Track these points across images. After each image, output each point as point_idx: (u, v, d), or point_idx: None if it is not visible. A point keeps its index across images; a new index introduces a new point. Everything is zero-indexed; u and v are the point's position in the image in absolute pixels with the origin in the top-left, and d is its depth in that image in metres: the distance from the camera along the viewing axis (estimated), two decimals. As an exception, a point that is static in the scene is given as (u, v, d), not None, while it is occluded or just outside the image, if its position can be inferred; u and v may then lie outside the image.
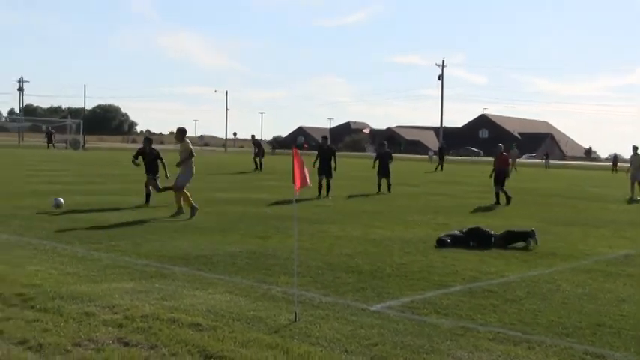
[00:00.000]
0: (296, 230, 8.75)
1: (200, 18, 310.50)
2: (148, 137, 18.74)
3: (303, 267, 9.51)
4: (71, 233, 12.19)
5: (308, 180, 7.70)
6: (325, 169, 22.48)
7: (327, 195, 21.83)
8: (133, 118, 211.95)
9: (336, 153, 23.18)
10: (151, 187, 17.52)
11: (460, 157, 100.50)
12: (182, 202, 15.73)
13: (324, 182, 22.28)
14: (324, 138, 23.90)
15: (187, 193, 15.71)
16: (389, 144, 28.88)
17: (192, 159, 16.13)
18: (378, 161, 25.82)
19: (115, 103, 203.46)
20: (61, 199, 16.07)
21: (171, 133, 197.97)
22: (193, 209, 15.28)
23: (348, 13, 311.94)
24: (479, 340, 6.50)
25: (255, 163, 38.89)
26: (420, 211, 18.85)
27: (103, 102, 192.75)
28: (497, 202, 21.75)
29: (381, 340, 6.36)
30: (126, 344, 5.92)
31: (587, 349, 6.36)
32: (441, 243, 12.40)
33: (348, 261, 10.46)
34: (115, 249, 10.73)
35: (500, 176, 22.23)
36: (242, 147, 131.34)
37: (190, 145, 16.08)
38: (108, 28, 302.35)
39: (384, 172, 25.53)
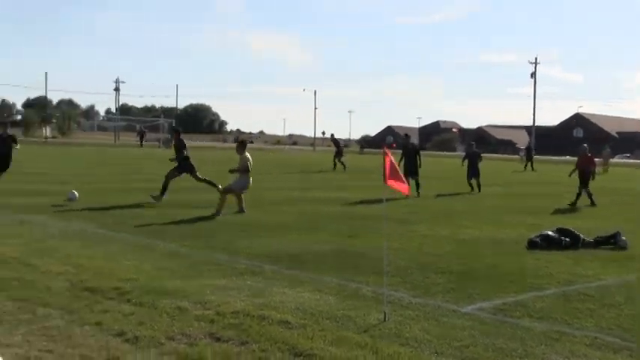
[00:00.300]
0: (385, 229, 8.69)
1: (290, 17, 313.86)
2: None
3: (393, 267, 9.45)
4: (163, 230, 12.52)
5: (405, 185, 7.62)
6: (412, 169, 22.20)
7: (417, 194, 21.42)
8: (223, 117, 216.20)
9: (422, 152, 23.06)
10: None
11: (556, 157, 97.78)
12: (221, 202, 15.40)
13: (411, 182, 21.68)
14: (407, 136, 23.56)
15: (237, 197, 15.89)
16: (478, 143, 28.65)
17: (249, 173, 16.14)
18: (467, 161, 25.69)
19: (206, 102, 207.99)
20: (75, 192, 16.82)
21: (261, 132, 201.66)
22: (218, 211, 15.13)
23: (440, 10, 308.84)
24: (575, 346, 6.29)
25: (335, 162, 38.98)
26: (510, 211, 18.45)
27: (194, 101, 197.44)
28: (575, 204, 20.67)
29: (472, 342, 6.25)
30: (217, 340, 6.03)
31: (691, 358, 6.07)
32: (532, 244, 12.09)
33: (438, 261, 10.33)
34: (206, 246, 10.95)
35: (584, 177, 21.38)
36: (330, 146, 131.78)
37: (249, 160, 16.06)
38: (200, 28, 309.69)
39: (473, 172, 25.31)
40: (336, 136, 42.53)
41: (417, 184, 21.94)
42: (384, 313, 6.96)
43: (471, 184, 25.20)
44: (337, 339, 6.17)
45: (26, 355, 5.44)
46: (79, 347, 5.68)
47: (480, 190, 24.66)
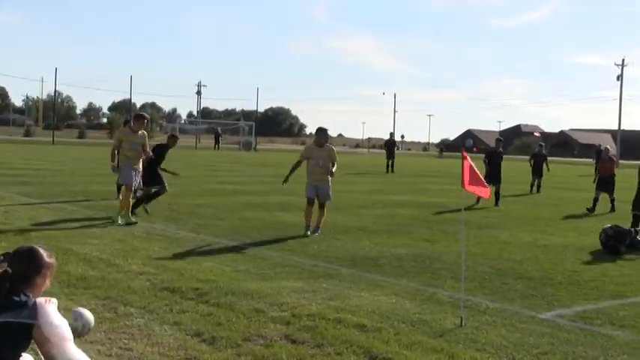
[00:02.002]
0: (463, 234, 8.61)
1: (370, 20, 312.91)
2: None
3: (471, 272, 9.34)
4: (242, 232, 12.70)
5: (486, 189, 7.55)
6: (496, 176, 20.72)
7: (497, 204, 19.98)
8: (302, 120, 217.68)
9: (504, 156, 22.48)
10: None
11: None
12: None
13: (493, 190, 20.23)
14: (499, 141, 22.41)
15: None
16: (561, 147, 28.67)
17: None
18: (532, 161, 27.02)
19: (286, 105, 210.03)
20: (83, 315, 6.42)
21: (339, 135, 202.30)
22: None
23: (525, 12, 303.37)
24: (660, 356, 6.10)
25: (387, 165, 38.79)
26: (593, 216, 17.97)
27: (274, 104, 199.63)
28: (593, 209, 19.32)
29: (551, 350, 6.14)
30: (293, 342, 6.09)
31: None
32: (610, 249, 11.80)
33: (517, 267, 10.17)
34: (283, 248, 11.08)
35: (605, 182, 20.30)
36: (409, 149, 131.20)
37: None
38: (280, 32, 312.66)
39: (537, 173, 26.55)
40: (406, 139, 42.20)
41: (498, 195, 20.39)
42: (461, 318, 6.90)
43: (531, 185, 26.32)
44: (412, 343, 6.15)
45: (108, 353, 5.62)
46: (157, 346, 5.83)
47: (539, 191, 25.32)
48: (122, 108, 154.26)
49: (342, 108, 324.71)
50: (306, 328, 6.46)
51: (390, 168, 38.53)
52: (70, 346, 3.74)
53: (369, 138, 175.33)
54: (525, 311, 7.54)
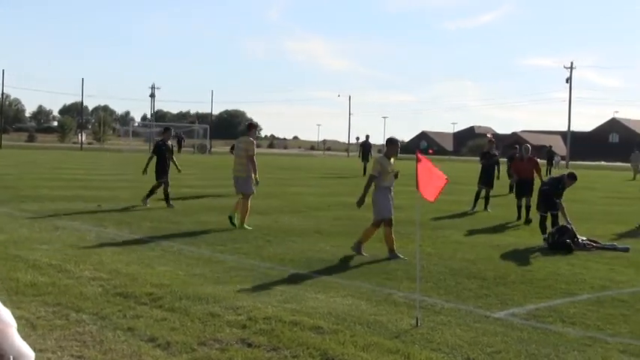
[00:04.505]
0: (418, 235, 8.68)
1: (325, 22, 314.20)
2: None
3: (425, 272, 9.42)
4: (197, 235, 12.61)
5: (434, 193, 7.61)
6: (488, 179, 19.69)
7: (486, 208, 19.26)
8: (258, 122, 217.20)
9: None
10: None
11: (589, 162, 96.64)
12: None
13: (482, 193, 19.72)
14: (491, 142, 21.32)
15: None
16: (511, 148, 28.22)
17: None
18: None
19: (241, 108, 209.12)
20: None
21: (295, 137, 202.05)
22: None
23: (477, 15, 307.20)
24: (608, 352, 6.23)
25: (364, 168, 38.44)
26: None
27: (229, 107, 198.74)
28: (519, 218, 17.07)
29: (505, 348, 6.22)
30: (249, 345, 6.06)
31: None
32: (565, 246, 12.06)
33: (471, 267, 10.28)
34: (238, 251, 11.01)
35: (524, 187, 17.18)
36: (360, 151, 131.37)
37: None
38: (234, 33, 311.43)
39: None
40: (369, 141, 40.88)
41: (488, 199, 19.64)
42: (417, 318, 6.95)
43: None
44: (369, 344, 6.17)
45: (59, 361, 5.52)
46: (110, 352, 5.75)
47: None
48: (73, 111, 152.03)
49: (297, 110, 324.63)
50: (262, 332, 6.44)
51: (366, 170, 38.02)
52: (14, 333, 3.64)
53: (324, 140, 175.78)
54: (479, 311, 7.63)
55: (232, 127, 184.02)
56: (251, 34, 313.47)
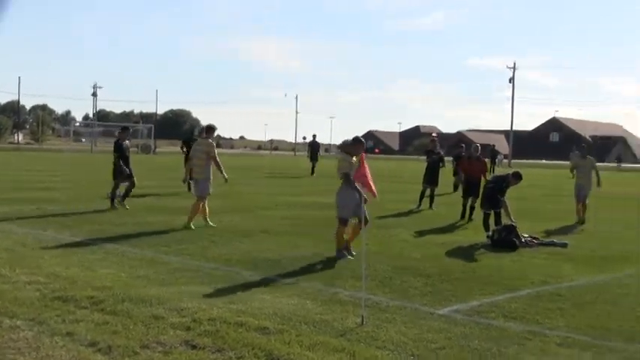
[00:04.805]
0: (364, 234, 8.71)
1: (272, 21, 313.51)
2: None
3: (371, 271, 9.46)
4: (141, 237, 12.43)
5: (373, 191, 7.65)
6: (431, 178, 19.84)
7: (430, 206, 19.51)
8: (204, 122, 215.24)
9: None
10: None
11: (531, 161, 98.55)
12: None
13: (427, 192, 19.85)
14: (433, 141, 21.32)
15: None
16: (457, 148, 28.59)
17: None
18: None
19: (187, 107, 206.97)
20: None
21: (241, 137, 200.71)
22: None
23: (424, 15, 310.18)
24: (547, 345, 6.39)
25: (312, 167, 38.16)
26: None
27: (174, 107, 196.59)
28: (463, 217, 16.90)
29: (448, 344, 6.29)
30: (193, 347, 6.00)
31: (658, 355, 6.18)
32: (512, 245, 12.28)
33: (417, 265, 10.37)
34: (183, 252, 10.89)
35: (471, 187, 16.78)
36: (309, 151, 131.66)
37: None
38: (179, 32, 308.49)
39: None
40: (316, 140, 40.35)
41: (432, 197, 19.88)
42: (362, 316, 6.98)
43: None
44: (314, 344, 6.17)
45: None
46: (47, 359, 5.60)
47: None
48: (10, 110, 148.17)
49: (244, 109, 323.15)
50: (207, 333, 6.38)
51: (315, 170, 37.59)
52: None
53: (271, 140, 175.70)
54: (424, 308, 7.70)
55: (177, 126, 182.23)
56: (196, 33, 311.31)
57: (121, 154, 17.34)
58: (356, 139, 11.15)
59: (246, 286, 8.53)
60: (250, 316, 7.03)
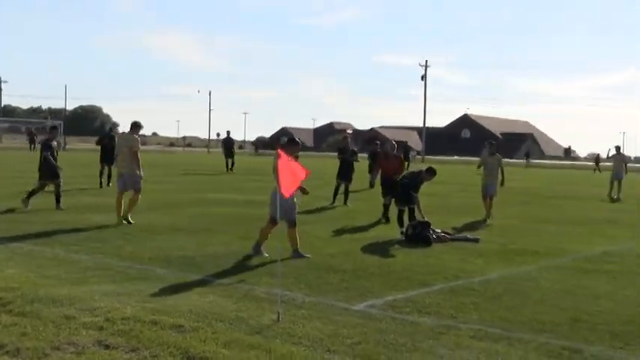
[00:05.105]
0: (278, 229, 8.73)
1: (186, 17, 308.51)
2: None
3: (287, 267, 9.48)
4: (51, 235, 12.08)
5: (294, 187, 7.67)
6: (345, 174, 20.06)
7: (345, 202, 19.67)
8: (115, 119, 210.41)
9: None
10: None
11: (444, 157, 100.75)
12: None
13: (341, 188, 20.10)
14: (345, 138, 21.40)
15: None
16: (372, 144, 28.98)
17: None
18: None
19: (97, 103, 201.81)
20: None
21: (154, 134, 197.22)
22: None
23: (336, 11, 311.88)
24: (460, 338, 6.53)
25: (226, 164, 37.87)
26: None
27: (84, 103, 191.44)
28: (385, 217, 16.33)
29: (364, 339, 6.36)
30: (106, 347, 5.88)
31: (564, 345, 6.46)
32: (426, 240, 12.54)
33: (332, 261, 10.45)
34: (96, 251, 10.64)
35: (390, 185, 16.17)
36: (223, 148, 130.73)
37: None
38: (89, 27, 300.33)
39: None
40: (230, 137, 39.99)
41: (347, 194, 20.08)
42: (278, 313, 6.98)
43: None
44: (230, 341, 6.14)
45: None
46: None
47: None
48: None
49: (156, 106, 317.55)
50: (121, 332, 6.26)
51: (229, 167, 37.21)
52: None
53: (184, 136, 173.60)
54: (340, 303, 7.77)
55: (87, 122, 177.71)
56: (106, 27, 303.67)
57: (50, 153, 16.66)
58: (290, 140, 11.25)
59: (161, 284, 8.41)
60: (165, 314, 6.94)
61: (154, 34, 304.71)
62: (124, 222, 13.90)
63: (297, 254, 10.70)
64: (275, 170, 10.59)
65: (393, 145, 17.79)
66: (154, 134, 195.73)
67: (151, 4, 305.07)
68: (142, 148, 14.90)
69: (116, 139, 22.67)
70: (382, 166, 17.23)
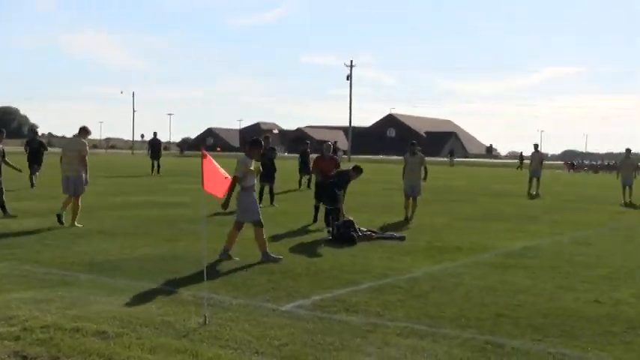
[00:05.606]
0: (204, 232, 8.61)
1: (108, 16, 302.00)
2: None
3: (214, 269, 9.38)
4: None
5: (222, 189, 7.59)
6: (268, 175, 19.27)
7: (272, 203, 19.48)
8: (33, 120, 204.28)
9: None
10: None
11: (369, 156, 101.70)
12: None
13: (266, 189, 19.80)
14: (267, 138, 20.87)
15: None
16: (299, 144, 29.27)
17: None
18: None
19: (15, 104, 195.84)
20: None
21: (74, 135, 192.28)
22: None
23: (261, 12, 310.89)
24: (387, 336, 6.59)
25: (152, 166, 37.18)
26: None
27: (0, 104, 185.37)
28: (315, 218, 15.93)
29: (291, 340, 6.34)
30: (24, 358, 5.67)
31: (487, 339, 6.59)
32: (350, 238, 12.61)
33: (259, 262, 10.38)
34: (12, 257, 10.26)
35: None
36: (149, 149, 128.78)
37: None
38: (3, 28, 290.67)
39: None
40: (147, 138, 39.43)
41: (272, 194, 19.84)
42: (205, 316, 6.89)
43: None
44: (156, 346, 6.03)
45: None
46: None
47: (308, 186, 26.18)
48: None
49: (77, 107, 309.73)
50: (40, 342, 6.05)
51: (155, 169, 36.48)
52: None
53: (107, 138, 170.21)
54: (268, 305, 7.72)
55: (4, 124, 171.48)
56: (23, 25, 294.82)
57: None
58: (254, 141, 11.16)
59: (84, 290, 8.19)
60: (87, 320, 6.75)
61: (72, 35, 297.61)
62: (61, 221, 13.93)
63: (266, 257, 10.60)
64: (234, 172, 10.51)
65: (329, 146, 17.60)
66: (75, 135, 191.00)
67: (69, 4, 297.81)
68: (58, 150, 14.57)
69: (42, 141, 26.07)
70: (319, 167, 16.93)
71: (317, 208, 16.06)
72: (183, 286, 8.56)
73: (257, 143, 11.00)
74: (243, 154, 10.99)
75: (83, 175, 14.40)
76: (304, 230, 14.61)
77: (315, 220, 15.93)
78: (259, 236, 10.71)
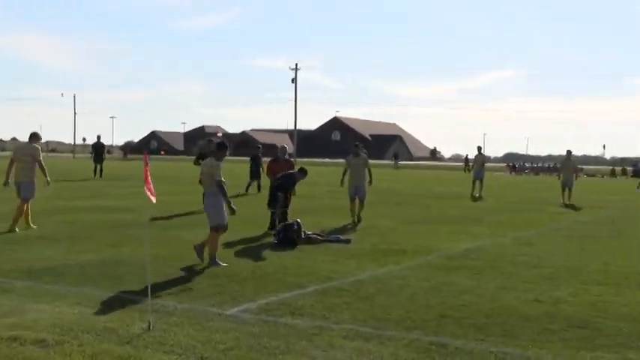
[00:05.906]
0: (147, 236, 8.52)
1: (49, 18, 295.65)
2: None
3: (158, 274, 9.27)
4: None
5: (152, 195, 7.48)
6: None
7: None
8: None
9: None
10: None
11: (315, 159, 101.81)
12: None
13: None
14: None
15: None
16: (243, 147, 29.24)
17: None
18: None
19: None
20: None
21: (13, 139, 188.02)
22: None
23: (203, 15, 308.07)
24: (333, 339, 6.60)
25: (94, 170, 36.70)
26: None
27: None
28: (271, 228, 14.83)
29: (237, 345, 6.31)
30: (-41, 369, 5.52)
31: (432, 340, 6.67)
32: (291, 242, 12.64)
33: (204, 266, 10.30)
34: (-52, 265, 9.98)
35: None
36: (92, 153, 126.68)
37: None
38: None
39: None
40: (88, 141, 39.17)
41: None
42: (149, 322, 6.80)
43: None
44: (98, 353, 5.93)
45: None
46: None
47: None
48: None
49: (15, 110, 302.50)
50: (-25, 352, 5.89)
51: (98, 172, 35.99)
52: None
53: (47, 142, 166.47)
54: (213, 309, 7.67)
55: None
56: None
57: None
58: (220, 144, 11.17)
59: (22, 298, 8.00)
60: (26, 329, 6.60)
61: (8, 35, 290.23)
62: (12, 230, 13.83)
63: (213, 262, 10.54)
64: (215, 177, 10.39)
65: (284, 148, 17.51)
66: (14, 139, 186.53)
67: (9, 4, 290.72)
68: (0, 154, 14.31)
69: None
70: (273, 170, 16.84)
71: (273, 212, 15.73)
72: (127, 291, 8.45)
73: (224, 146, 11.03)
74: (209, 159, 10.90)
75: (35, 180, 14.47)
76: (249, 233, 14.53)
77: (272, 227, 15.30)
78: (216, 240, 10.67)
